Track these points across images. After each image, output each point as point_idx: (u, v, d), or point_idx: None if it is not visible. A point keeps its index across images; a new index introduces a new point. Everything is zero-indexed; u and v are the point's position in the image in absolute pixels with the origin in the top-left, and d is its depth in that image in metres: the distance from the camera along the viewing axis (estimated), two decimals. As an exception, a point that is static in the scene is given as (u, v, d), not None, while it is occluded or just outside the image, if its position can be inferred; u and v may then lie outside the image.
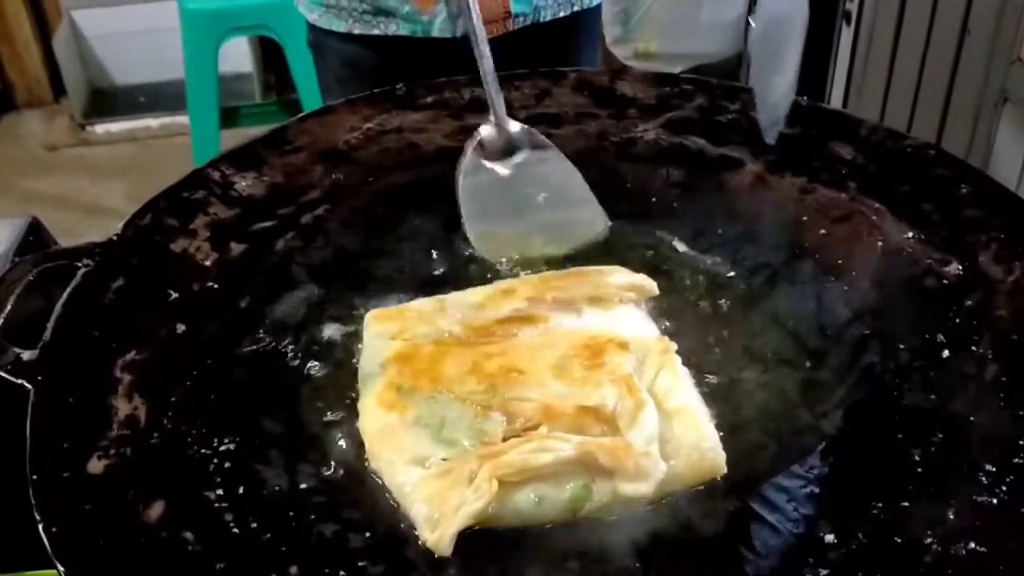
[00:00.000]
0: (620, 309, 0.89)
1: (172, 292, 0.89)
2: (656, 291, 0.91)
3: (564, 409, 0.77)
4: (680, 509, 0.74)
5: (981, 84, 1.83)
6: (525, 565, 0.71)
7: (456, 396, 0.79)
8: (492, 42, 1.00)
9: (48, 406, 0.77)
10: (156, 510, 0.70)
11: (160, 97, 3.51)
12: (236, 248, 0.96)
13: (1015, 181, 1.72)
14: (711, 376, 0.84)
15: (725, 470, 0.76)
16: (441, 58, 1.23)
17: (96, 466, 0.73)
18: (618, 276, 0.91)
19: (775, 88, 1.03)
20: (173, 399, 0.80)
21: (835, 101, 2.24)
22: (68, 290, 0.87)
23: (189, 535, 0.69)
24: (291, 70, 2.89)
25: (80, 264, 0.89)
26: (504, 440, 0.75)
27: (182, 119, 3.17)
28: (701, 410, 0.80)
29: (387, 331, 0.86)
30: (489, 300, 0.89)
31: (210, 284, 0.91)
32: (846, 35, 2.20)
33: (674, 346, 0.84)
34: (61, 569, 0.65)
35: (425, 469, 0.74)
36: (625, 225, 1.02)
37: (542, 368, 0.80)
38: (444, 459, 0.75)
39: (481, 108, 1.14)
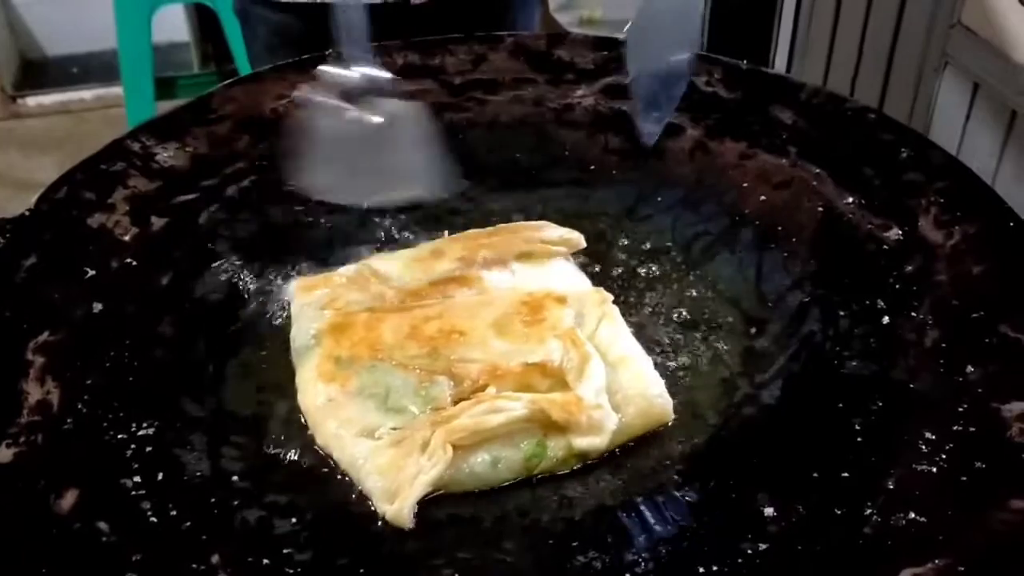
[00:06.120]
0: (550, 264, 0.89)
1: (88, 269, 0.85)
2: (583, 243, 0.91)
3: (510, 367, 0.76)
4: (620, 482, 0.72)
5: (922, 48, 1.83)
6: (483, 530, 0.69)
7: (398, 363, 0.77)
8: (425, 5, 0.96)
9: (-47, 392, 0.73)
10: (68, 500, 0.67)
11: (93, 68, 3.39)
12: (157, 222, 0.92)
13: (956, 143, 1.72)
14: (649, 346, 0.82)
15: (673, 416, 0.76)
16: (371, 23, 1.18)
17: (4, 454, 0.69)
18: (546, 230, 0.91)
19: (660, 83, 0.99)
20: (89, 382, 0.76)
21: (779, 65, 2.23)
22: (-24, 269, 0.82)
23: (104, 525, 0.65)
24: (227, 38, 2.81)
25: (-10, 241, 0.85)
26: (453, 404, 0.74)
27: (116, 90, 3.07)
28: (643, 358, 0.79)
29: (317, 300, 0.84)
30: (418, 262, 0.87)
31: (129, 260, 0.88)
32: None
33: (610, 296, 0.83)
34: (-35, 565, 0.61)
35: (376, 440, 0.72)
36: (562, 193, 1.00)
37: (482, 327, 0.79)
38: (394, 428, 0.73)
39: (414, 73, 1.11)
